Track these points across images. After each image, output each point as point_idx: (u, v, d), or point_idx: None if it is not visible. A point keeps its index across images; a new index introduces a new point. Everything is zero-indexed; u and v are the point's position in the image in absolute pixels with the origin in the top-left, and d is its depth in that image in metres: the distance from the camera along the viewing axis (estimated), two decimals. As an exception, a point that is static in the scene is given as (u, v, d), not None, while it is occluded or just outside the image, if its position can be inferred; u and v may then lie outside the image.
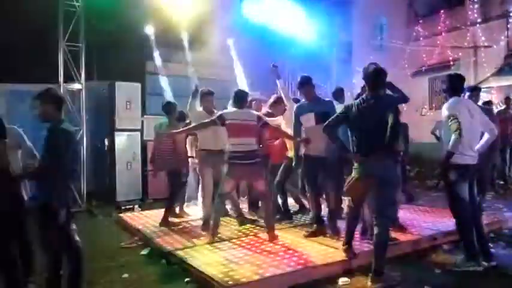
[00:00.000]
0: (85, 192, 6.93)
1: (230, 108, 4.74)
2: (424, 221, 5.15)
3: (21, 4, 10.48)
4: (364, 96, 3.56)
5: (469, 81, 8.82)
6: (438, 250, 4.35)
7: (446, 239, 4.53)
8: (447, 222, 4.72)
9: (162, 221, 5.38)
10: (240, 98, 4.60)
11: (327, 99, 4.82)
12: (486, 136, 3.88)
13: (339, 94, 5.42)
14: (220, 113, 4.56)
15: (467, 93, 4.89)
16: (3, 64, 9.50)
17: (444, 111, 3.77)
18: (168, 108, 5.63)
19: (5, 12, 10.73)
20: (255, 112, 4.76)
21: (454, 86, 3.90)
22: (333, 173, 4.51)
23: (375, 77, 3.50)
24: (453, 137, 3.56)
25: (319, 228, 4.59)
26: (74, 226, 3.25)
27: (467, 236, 3.78)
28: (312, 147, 4.45)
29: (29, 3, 10.05)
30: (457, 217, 3.81)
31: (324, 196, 4.76)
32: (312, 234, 4.54)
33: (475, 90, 5.28)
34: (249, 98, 5.05)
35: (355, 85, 10.68)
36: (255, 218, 5.45)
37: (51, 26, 7.00)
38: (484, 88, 10.26)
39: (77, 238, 3.22)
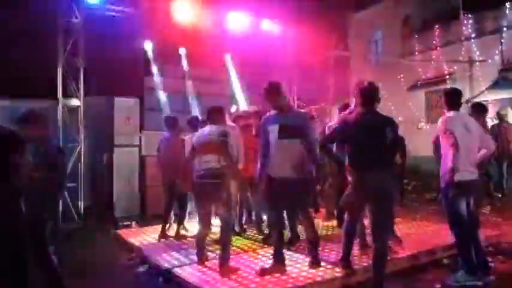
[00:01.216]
0: (83, 208, 6.89)
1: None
2: (422, 235, 5.14)
3: (20, 19, 10.61)
4: (359, 111, 3.59)
5: (465, 95, 8.90)
6: (438, 265, 4.33)
7: (445, 253, 4.51)
8: (446, 236, 4.71)
9: (160, 234, 5.45)
10: (210, 113, 4.39)
11: (302, 110, 4.55)
12: (483, 151, 3.90)
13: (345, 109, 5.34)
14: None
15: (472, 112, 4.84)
16: (2, 79, 9.56)
17: (439, 126, 3.81)
18: (171, 122, 5.70)
19: (5, 27, 10.85)
20: (221, 127, 4.30)
21: (451, 100, 3.93)
22: (304, 199, 3.98)
23: (371, 93, 3.56)
24: (450, 152, 3.58)
25: (277, 265, 3.88)
26: (51, 247, 3.27)
27: (466, 251, 3.77)
28: (275, 167, 3.84)
29: (29, 18, 10.18)
30: (455, 233, 3.82)
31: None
32: (264, 272, 3.79)
33: (483, 112, 5.04)
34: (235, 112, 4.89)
35: (351, 99, 10.77)
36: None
37: (50, 42, 7.06)
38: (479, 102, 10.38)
39: (53, 257, 3.23)
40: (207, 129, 4.27)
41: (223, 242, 4.06)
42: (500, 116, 7.78)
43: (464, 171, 3.67)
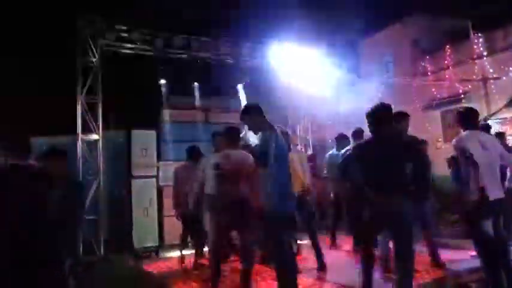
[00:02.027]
0: (102, 240, 6.94)
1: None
2: (447, 258, 4.99)
3: (41, 61, 11.13)
4: (376, 134, 3.52)
5: (482, 113, 8.79)
6: (464, 289, 4.18)
7: (471, 276, 4.35)
8: (472, 259, 4.57)
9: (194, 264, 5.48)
10: (231, 137, 4.25)
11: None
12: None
13: (359, 135, 5.32)
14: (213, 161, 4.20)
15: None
16: (25, 117, 9.95)
17: (454, 145, 3.77)
18: (193, 152, 5.72)
19: (26, 68, 11.39)
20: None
21: (465, 120, 3.91)
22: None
23: (385, 116, 3.52)
24: (472, 171, 3.53)
25: None
26: (72, 280, 3.30)
27: (495, 275, 3.63)
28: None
29: (48, 60, 10.68)
30: (482, 255, 3.68)
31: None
32: None
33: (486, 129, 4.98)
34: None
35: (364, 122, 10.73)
36: None
37: (70, 81, 7.34)
38: (498, 120, 10.23)
39: None
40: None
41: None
42: None
43: (490, 190, 3.59)
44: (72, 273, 3.35)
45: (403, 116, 4.50)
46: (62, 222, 3.21)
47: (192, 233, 5.68)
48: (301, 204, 4.67)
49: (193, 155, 5.66)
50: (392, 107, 3.59)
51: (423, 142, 5.11)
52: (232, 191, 4.02)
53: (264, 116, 3.68)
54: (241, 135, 4.48)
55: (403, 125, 4.42)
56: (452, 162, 6.51)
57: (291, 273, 3.50)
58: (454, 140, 3.81)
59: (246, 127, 4.04)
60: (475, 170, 3.50)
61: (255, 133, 3.71)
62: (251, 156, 3.87)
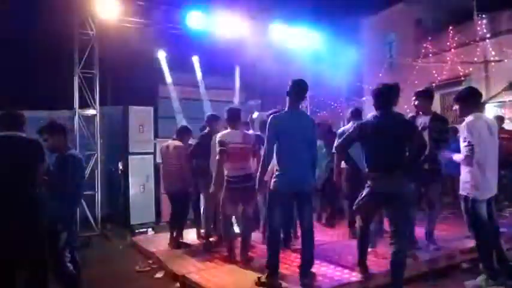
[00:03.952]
0: (99, 216, 6.98)
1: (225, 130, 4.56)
2: (440, 238, 5.05)
3: (37, 34, 10.92)
4: (377, 113, 3.54)
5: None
6: (456, 269, 4.25)
7: (464, 257, 4.42)
8: (464, 240, 4.63)
9: (170, 243, 5.46)
10: (233, 117, 4.48)
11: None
12: None
13: (357, 114, 5.34)
14: (218, 139, 4.39)
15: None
16: (21, 92, 9.83)
17: (463, 130, 3.70)
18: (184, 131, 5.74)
19: (22, 41, 11.18)
20: (250, 133, 4.72)
21: (470, 103, 3.77)
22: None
23: (389, 95, 3.51)
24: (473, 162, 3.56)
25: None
26: (67, 254, 3.34)
27: (488, 255, 3.69)
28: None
29: (45, 33, 10.47)
30: (477, 236, 3.73)
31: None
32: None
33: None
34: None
35: (365, 102, 10.71)
36: None
37: (66, 54, 7.22)
38: (496, 103, 10.20)
39: (69, 265, 3.30)
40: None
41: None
42: None
43: (489, 177, 3.62)
44: (67, 246, 3.36)
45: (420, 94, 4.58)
46: (52, 193, 3.23)
47: (175, 212, 5.64)
48: None
49: (181, 133, 5.68)
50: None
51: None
52: (239, 168, 4.33)
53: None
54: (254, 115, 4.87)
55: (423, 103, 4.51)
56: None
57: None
58: (462, 125, 3.72)
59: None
60: (472, 165, 3.53)
61: None
62: (253, 135, 4.48)
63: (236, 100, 10.11)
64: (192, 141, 5.82)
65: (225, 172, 4.35)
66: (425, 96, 4.55)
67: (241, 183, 4.29)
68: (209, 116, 5.59)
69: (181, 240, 5.54)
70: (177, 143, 5.58)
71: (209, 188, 4.59)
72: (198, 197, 5.78)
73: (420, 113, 4.54)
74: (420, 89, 4.70)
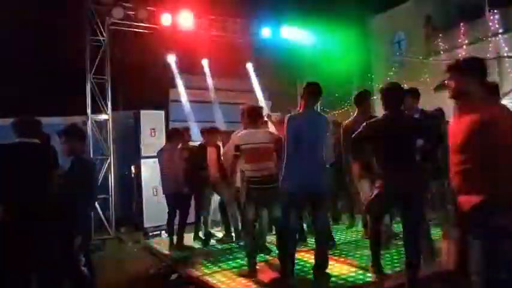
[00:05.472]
0: (113, 220, 7.06)
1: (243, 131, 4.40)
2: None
3: (49, 41, 11.10)
4: (387, 113, 3.50)
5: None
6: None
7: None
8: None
9: (176, 245, 5.47)
10: (253, 116, 4.33)
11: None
12: None
13: (360, 99, 4.81)
14: (234, 143, 4.28)
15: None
16: (34, 98, 10.00)
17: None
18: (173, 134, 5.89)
19: (36, 49, 11.38)
20: (271, 131, 4.52)
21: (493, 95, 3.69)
22: None
23: (397, 95, 3.49)
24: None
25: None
26: (82, 257, 3.37)
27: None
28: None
29: (57, 40, 10.64)
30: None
31: None
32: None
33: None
34: None
35: (375, 101, 10.62)
36: None
37: (78, 61, 7.33)
38: (510, 99, 10.02)
39: (83, 268, 3.33)
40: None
41: None
42: None
43: None
44: (82, 250, 3.39)
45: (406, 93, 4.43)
46: (67, 197, 3.27)
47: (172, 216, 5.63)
48: None
49: (172, 137, 5.81)
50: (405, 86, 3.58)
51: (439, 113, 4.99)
52: (259, 168, 4.08)
53: None
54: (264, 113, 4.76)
55: (409, 102, 4.31)
56: None
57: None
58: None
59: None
60: None
61: None
62: (275, 134, 4.31)
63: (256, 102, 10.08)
64: (192, 143, 6.07)
65: (246, 173, 4.20)
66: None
67: (262, 184, 4.05)
68: (201, 129, 5.88)
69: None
70: (167, 146, 5.80)
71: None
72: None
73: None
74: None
